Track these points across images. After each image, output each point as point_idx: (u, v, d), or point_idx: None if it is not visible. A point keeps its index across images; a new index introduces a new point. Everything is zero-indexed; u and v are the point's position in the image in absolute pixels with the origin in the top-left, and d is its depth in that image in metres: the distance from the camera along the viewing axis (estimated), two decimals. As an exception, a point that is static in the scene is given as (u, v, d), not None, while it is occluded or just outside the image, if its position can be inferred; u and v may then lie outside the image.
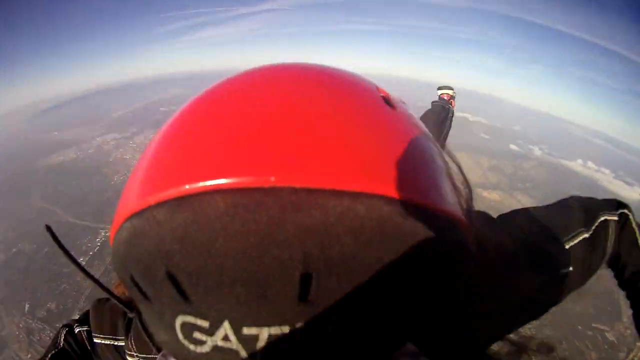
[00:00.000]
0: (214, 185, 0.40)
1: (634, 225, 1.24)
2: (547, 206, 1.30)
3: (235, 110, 0.48)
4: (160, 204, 0.43)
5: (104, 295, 0.83)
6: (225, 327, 0.42)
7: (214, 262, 0.39)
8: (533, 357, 0.91)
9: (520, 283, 1.02)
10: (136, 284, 0.48)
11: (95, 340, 1.40)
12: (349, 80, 0.54)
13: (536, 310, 1.15)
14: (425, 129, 0.57)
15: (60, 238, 0.63)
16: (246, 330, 0.42)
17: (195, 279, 0.41)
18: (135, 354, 1.28)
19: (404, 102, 0.61)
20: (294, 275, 0.38)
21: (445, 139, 3.98)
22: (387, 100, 0.53)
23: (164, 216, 0.42)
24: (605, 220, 1.21)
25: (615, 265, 1.31)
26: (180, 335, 0.46)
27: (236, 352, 0.43)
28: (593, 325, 53.74)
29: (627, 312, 1.27)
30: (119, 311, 1.36)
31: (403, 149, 0.44)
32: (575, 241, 1.14)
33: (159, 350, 0.63)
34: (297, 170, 0.39)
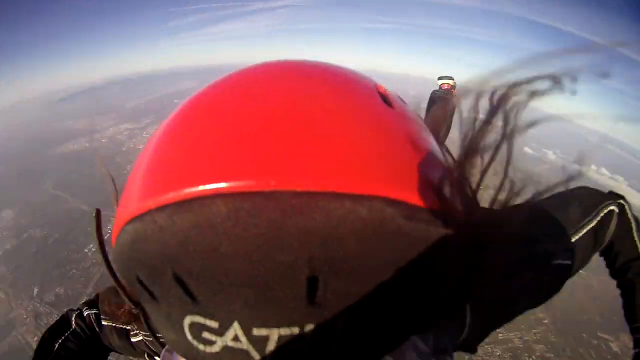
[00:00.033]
0: (214, 189, 0.39)
1: (629, 215, 1.27)
2: (555, 196, 1.20)
3: (235, 111, 0.47)
4: (160, 208, 0.42)
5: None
6: (235, 328, 0.42)
7: (219, 265, 0.39)
8: None
9: (523, 276, 1.02)
10: (142, 284, 0.48)
11: (103, 322, 1.47)
12: (348, 80, 0.54)
13: (534, 300, 1.17)
14: (424, 127, 0.56)
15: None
16: (256, 332, 0.42)
17: (201, 281, 0.41)
18: (138, 332, 1.36)
19: (402, 100, 0.60)
20: (301, 278, 0.38)
21: (448, 129, 3.81)
22: (386, 99, 0.53)
23: (165, 220, 0.41)
24: (611, 210, 1.24)
25: (608, 254, 1.35)
26: (189, 335, 0.46)
27: (247, 352, 0.42)
28: (598, 334, 53.18)
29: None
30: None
31: (403, 150, 0.44)
32: (583, 232, 1.18)
33: (162, 344, 0.63)
34: (298, 174, 0.38)
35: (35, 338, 57.14)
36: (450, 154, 0.53)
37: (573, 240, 1.16)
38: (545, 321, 57.79)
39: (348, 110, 0.45)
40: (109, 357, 1.59)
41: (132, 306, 0.65)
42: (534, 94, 0.50)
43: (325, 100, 0.46)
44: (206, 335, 0.44)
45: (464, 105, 0.50)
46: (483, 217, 0.78)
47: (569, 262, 1.11)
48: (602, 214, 1.23)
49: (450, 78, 4.22)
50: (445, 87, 4.16)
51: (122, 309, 1.33)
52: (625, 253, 1.29)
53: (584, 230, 1.19)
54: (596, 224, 1.21)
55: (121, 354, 1.57)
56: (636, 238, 1.27)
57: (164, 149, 0.50)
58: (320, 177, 0.38)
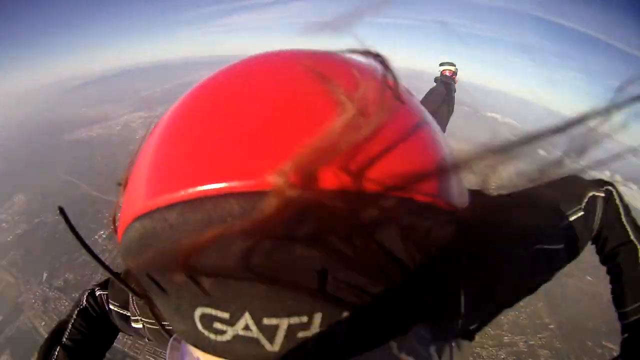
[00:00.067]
0: (227, 187, 0.40)
1: (617, 201, 1.32)
2: (544, 185, 1.28)
3: (244, 107, 0.47)
4: (170, 206, 0.43)
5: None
6: (246, 318, 0.43)
7: (232, 261, 0.39)
8: None
9: (515, 264, 1.06)
10: (151, 278, 0.48)
11: (110, 306, 1.59)
12: (355, 71, 0.52)
13: (527, 288, 1.24)
14: (432, 120, 0.56)
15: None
16: (266, 321, 0.43)
17: (213, 276, 0.42)
18: (139, 319, 1.42)
19: (411, 94, 0.60)
20: (312, 272, 0.40)
21: (450, 114, 4.28)
22: (397, 94, 0.52)
23: (176, 219, 0.42)
24: (594, 195, 1.32)
25: (598, 240, 1.39)
26: (199, 326, 0.47)
27: (257, 340, 0.44)
28: (603, 343, 52.04)
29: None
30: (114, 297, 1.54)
31: (411, 149, 0.45)
32: (572, 219, 1.27)
33: (167, 332, 0.71)
34: (307, 177, 0.37)
35: (43, 323, 57.14)
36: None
37: (562, 226, 1.24)
38: (551, 326, 56.80)
39: (355, 106, 0.42)
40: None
41: (137, 297, 0.66)
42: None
43: (335, 98, 0.44)
44: (217, 325, 0.45)
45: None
46: (477, 205, 0.80)
47: (559, 246, 1.17)
48: (588, 200, 1.30)
49: (452, 64, 4.60)
50: (447, 74, 4.58)
51: (122, 291, 1.54)
52: (613, 238, 1.33)
53: (574, 217, 1.27)
54: (585, 211, 1.29)
55: (128, 334, 1.68)
56: (625, 222, 1.31)
57: (171, 144, 0.50)
58: (331, 177, 0.39)
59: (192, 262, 0.40)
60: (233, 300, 0.43)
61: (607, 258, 1.38)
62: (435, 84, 4.90)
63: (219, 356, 0.49)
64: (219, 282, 0.43)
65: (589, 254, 1.43)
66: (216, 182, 0.40)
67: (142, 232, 0.46)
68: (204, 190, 0.40)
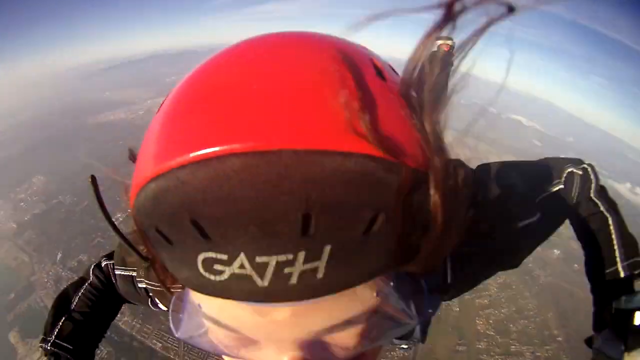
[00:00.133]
0: (230, 149, 0.46)
1: (592, 177, 1.46)
2: (527, 162, 1.56)
3: (244, 82, 0.54)
4: (182, 167, 0.49)
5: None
6: (241, 258, 0.49)
7: (232, 209, 0.46)
8: None
9: (501, 225, 1.22)
10: (160, 233, 0.54)
11: (116, 272, 1.72)
12: (347, 54, 0.58)
13: (509, 259, 1.39)
14: (413, 96, 0.60)
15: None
16: (258, 259, 0.49)
17: (216, 223, 0.48)
18: (143, 280, 1.56)
19: (395, 72, 0.67)
20: (297, 215, 0.45)
21: (448, 91, 3.02)
22: (380, 72, 0.60)
23: (187, 176, 0.48)
24: (572, 171, 1.45)
25: (572, 215, 1.54)
26: (201, 269, 0.53)
27: (250, 277, 0.50)
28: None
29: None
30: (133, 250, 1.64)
31: (386, 117, 0.51)
32: (553, 190, 1.42)
33: (167, 288, 0.77)
34: (298, 136, 0.46)
35: (55, 303, 57.20)
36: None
37: (544, 196, 1.39)
38: (559, 339, 56.38)
39: (341, 83, 0.52)
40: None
41: (143, 260, 0.73)
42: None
43: (322, 73, 0.53)
44: (217, 266, 0.52)
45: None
46: (464, 175, 0.90)
47: (539, 217, 1.27)
48: (567, 175, 1.45)
49: (449, 38, 3.82)
50: (445, 48, 3.86)
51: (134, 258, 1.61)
52: (586, 210, 1.48)
53: (554, 189, 1.42)
54: (564, 184, 1.43)
55: (131, 302, 1.84)
56: (597, 196, 1.46)
57: (180, 115, 0.58)
58: (316, 138, 0.46)
59: (197, 211, 0.48)
60: (230, 242, 0.49)
61: (580, 229, 1.53)
62: (430, 58, 4.47)
63: (218, 295, 0.56)
64: (219, 228, 0.49)
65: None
66: (221, 145, 0.47)
67: (156, 191, 0.52)
68: (210, 151, 0.47)
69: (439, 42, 3.93)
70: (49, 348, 1.55)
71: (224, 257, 0.51)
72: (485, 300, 61.08)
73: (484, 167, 1.40)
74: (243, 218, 0.47)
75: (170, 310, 0.76)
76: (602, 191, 1.48)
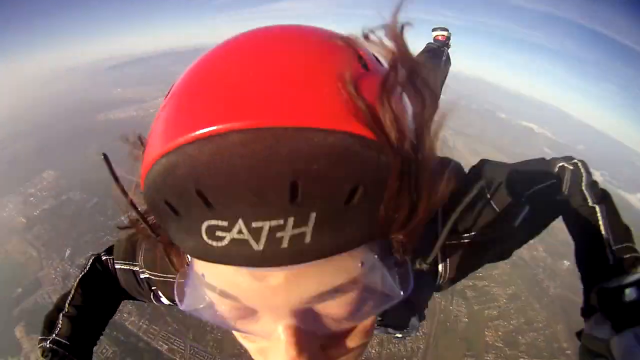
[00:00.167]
0: (231, 126, 0.54)
1: (582, 170, 1.52)
2: (523, 162, 1.61)
3: (242, 69, 0.62)
4: (190, 143, 0.56)
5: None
6: (240, 224, 0.56)
7: (232, 179, 0.53)
8: None
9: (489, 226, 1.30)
10: (169, 205, 0.61)
11: (116, 265, 1.78)
12: (332, 46, 0.68)
13: (502, 250, 1.49)
14: (392, 83, 0.65)
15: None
16: (254, 224, 0.55)
17: (218, 192, 0.55)
18: (146, 271, 1.60)
19: (380, 63, 0.73)
20: (286, 183, 0.52)
21: (444, 79, 4.64)
22: (364, 62, 0.67)
23: (194, 151, 0.56)
24: (563, 166, 1.53)
25: (563, 207, 1.57)
26: (205, 237, 0.59)
27: (247, 241, 0.56)
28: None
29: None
30: (133, 244, 1.74)
31: (365, 100, 0.57)
32: (544, 183, 1.47)
33: (174, 265, 0.85)
34: (288, 115, 0.54)
35: (62, 300, 57.00)
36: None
37: (532, 190, 1.42)
38: (568, 352, 55.37)
39: (327, 70, 0.61)
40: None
41: (154, 235, 0.81)
42: None
43: (311, 62, 0.62)
44: (218, 233, 0.58)
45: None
46: (457, 171, 1.17)
47: (525, 211, 1.33)
48: (558, 170, 1.52)
49: (445, 29, 4.79)
50: (440, 39, 4.74)
51: (126, 250, 1.75)
52: (575, 203, 1.51)
53: (546, 183, 1.47)
54: (556, 178, 1.50)
55: (132, 298, 1.89)
56: (586, 189, 1.49)
57: (186, 100, 0.65)
58: (303, 117, 0.54)
59: (202, 182, 0.55)
60: (230, 209, 0.56)
61: (570, 221, 1.58)
62: (426, 48, 5.11)
63: (219, 262, 0.62)
64: (221, 196, 0.55)
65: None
66: (223, 123, 0.54)
67: (166, 166, 0.59)
68: (214, 129, 0.55)
69: (435, 33, 4.80)
70: (47, 346, 1.57)
71: (225, 223, 0.57)
72: (495, 312, 60.49)
73: (479, 163, 1.47)
74: (241, 187, 0.53)
75: (175, 285, 0.82)
76: (593, 184, 1.51)
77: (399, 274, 0.76)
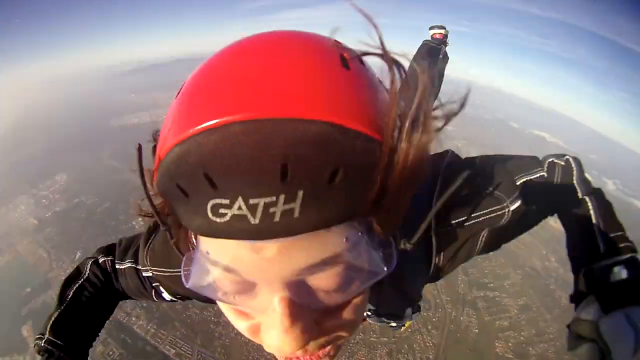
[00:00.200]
0: (234, 118, 0.62)
1: (573, 165, 1.54)
2: (513, 155, 1.62)
3: (241, 71, 0.71)
4: (200, 133, 0.64)
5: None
6: (239, 201, 0.63)
7: (234, 162, 0.61)
8: None
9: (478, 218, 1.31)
10: (180, 188, 0.69)
11: (117, 266, 1.79)
12: (317, 48, 0.78)
13: (492, 240, 1.45)
14: (374, 82, 0.79)
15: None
16: (251, 201, 0.62)
17: (222, 174, 0.63)
18: (149, 269, 1.60)
19: (362, 63, 0.80)
20: (277, 166, 0.60)
21: (442, 77, 4.74)
22: (345, 63, 0.74)
23: (203, 139, 0.64)
24: (554, 161, 1.55)
25: (554, 200, 1.60)
26: (210, 214, 0.66)
27: (245, 216, 0.63)
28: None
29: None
30: (135, 244, 1.77)
31: (345, 95, 0.68)
32: (535, 177, 1.49)
33: (178, 248, 0.93)
34: (279, 109, 0.62)
35: (71, 303, 57.19)
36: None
37: (523, 182, 1.47)
38: None
39: (313, 69, 0.69)
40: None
41: (163, 224, 0.89)
42: None
43: (300, 63, 0.70)
44: (222, 210, 0.65)
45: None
46: (449, 161, 1.18)
47: (520, 201, 1.32)
48: (549, 165, 1.54)
49: (442, 27, 4.86)
50: (437, 37, 4.79)
51: (129, 250, 1.78)
52: (566, 194, 1.53)
53: (536, 176, 1.49)
54: (546, 172, 1.52)
55: (131, 298, 1.90)
56: (577, 183, 1.52)
57: (196, 96, 0.74)
58: (291, 110, 0.63)
59: (209, 166, 0.63)
60: (232, 189, 0.63)
61: (561, 214, 1.60)
62: (422, 46, 5.17)
63: (222, 236, 0.69)
64: (224, 178, 0.63)
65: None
66: (227, 116, 0.63)
67: (179, 153, 0.67)
68: (220, 121, 0.63)
69: (432, 31, 4.84)
70: (42, 345, 1.59)
71: (227, 201, 0.63)
72: (505, 322, 59.80)
73: (472, 158, 1.49)
74: (241, 169, 0.61)
75: (182, 264, 0.87)
76: (585, 180, 1.53)
77: (383, 253, 0.82)
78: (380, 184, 0.70)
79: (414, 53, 5.03)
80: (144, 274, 1.66)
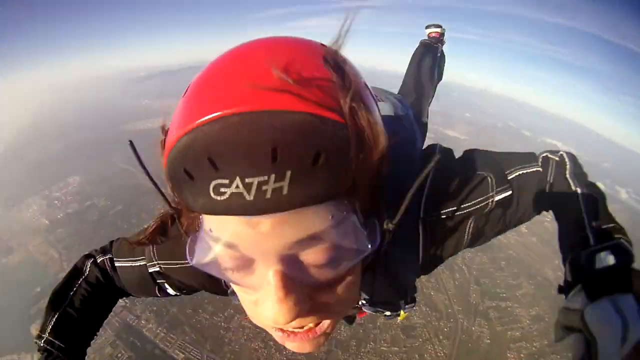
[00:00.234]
0: (232, 111, 0.71)
1: (567, 160, 1.54)
2: (507, 152, 1.65)
3: (239, 70, 0.81)
4: (205, 124, 0.73)
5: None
6: (237, 180, 0.70)
7: (233, 147, 0.69)
8: None
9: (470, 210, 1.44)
10: (186, 172, 0.76)
11: (117, 264, 1.80)
12: (303, 53, 0.87)
13: (480, 232, 1.54)
14: (360, 83, 0.90)
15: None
16: (247, 180, 0.69)
17: (223, 156, 0.70)
18: (155, 263, 1.64)
19: (345, 63, 0.84)
20: (269, 150, 0.68)
21: (440, 75, 4.56)
22: (328, 63, 0.80)
23: (208, 129, 0.73)
24: (547, 156, 1.56)
25: (546, 194, 1.60)
26: (212, 194, 0.73)
27: (242, 194, 0.70)
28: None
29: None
30: (138, 242, 1.66)
31: (325, 91, 0.77)
32: (529, 170, 1.53)
33: (186, 232, 1.00)
34: (270, 102, 0.71)
35: (81, 304, 57.53)
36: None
37: (515, 175, 1.51)
38: None
39: (299, 70, 0.78)
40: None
41: (172, 208, 1.00)
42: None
43: (288, 64, 0.78)
44: (222, 189, 0.72)
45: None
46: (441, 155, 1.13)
47: (507, 193, 1.45)
48: (543, 159, 1.56)
49: (439, 26, 4.69)
50: (434, 35, 4.62)
51: (128, 248, 1.79)
52: (558, 188, 1.53)
53: (531, 170, 1.53)
54: (540, 167, 1.54)
55: (132, 295, 1.92)
56: (569, 177, 1.50)
57: (202, 92, 0.84)
58: (280, 103, 0.71)
59: (212, 151, 0.71)
60: (230, 170, 0.70)
61: (554, 207, 1.58)
62: (420, 45, 4.99)
63: (223, 213, 0.76)
64: (224, 161, 0.70)
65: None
66: (227, 109, 0.72)
67: (187, 142, 0.76)
68: (221, 113, 0.72)
69: (428, 30, 4.76)
70: (42, 345, 1.61)
71: (226, 181, 0.71)
72: (517, 333, 58.89)
73: (466, 152, 1.59)
74: (238, 153, 0.69)
75: (187, 244, 0.94)
76: (579, 174, 1.51)
77: (368, 232, 0.89)
78: (356, 164, 0.77)
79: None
80: (150, 269, 1.67)
